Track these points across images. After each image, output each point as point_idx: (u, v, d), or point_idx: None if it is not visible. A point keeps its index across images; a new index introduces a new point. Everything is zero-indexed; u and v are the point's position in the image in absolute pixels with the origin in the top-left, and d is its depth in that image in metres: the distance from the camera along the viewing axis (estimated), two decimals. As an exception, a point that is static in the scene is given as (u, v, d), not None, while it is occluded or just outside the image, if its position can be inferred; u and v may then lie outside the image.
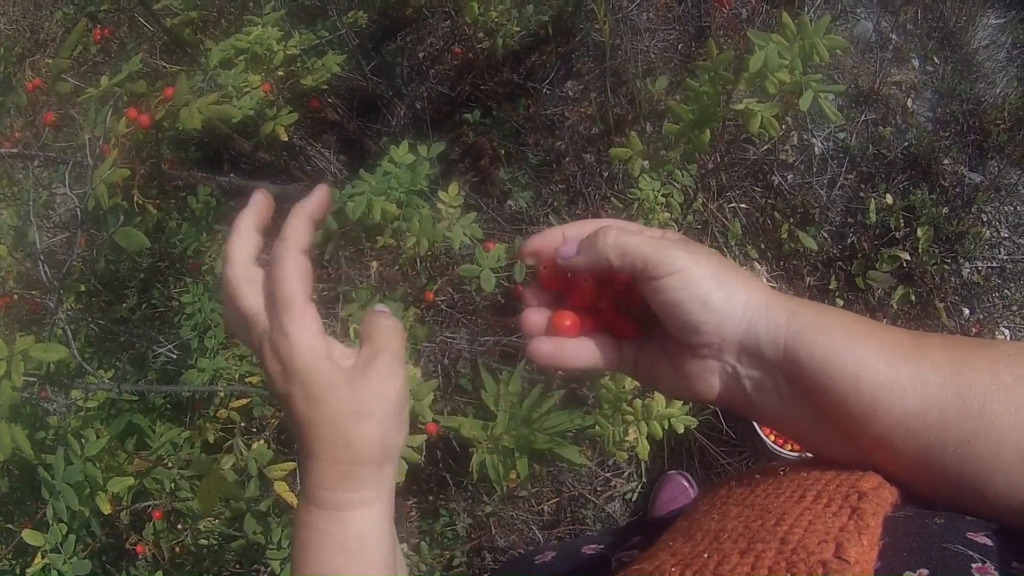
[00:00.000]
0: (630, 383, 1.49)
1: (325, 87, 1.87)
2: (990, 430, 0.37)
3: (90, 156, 1.29)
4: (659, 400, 1.45)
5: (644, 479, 1.92)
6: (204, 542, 1.90)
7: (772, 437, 1.78)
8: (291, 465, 1.43)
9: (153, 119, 1.48)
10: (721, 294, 0.44)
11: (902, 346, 0.41)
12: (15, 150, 1.44)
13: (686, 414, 1.43)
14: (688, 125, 1.39)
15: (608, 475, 1.88)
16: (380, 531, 0.49)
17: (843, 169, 1.94)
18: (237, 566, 1.91)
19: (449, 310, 1.82)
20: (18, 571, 1.91)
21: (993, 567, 0.34)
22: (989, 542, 0.36)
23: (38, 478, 1.87)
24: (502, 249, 1.45)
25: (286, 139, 1.79)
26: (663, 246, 0.45)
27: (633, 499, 1.91)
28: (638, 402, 1.45)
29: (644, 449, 1.44)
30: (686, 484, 1.86)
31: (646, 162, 1.43)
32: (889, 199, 1.91)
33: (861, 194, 1.94)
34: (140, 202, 1.42)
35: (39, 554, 1.63)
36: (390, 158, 1.49)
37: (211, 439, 1.54)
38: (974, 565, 0.34)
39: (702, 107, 1.42)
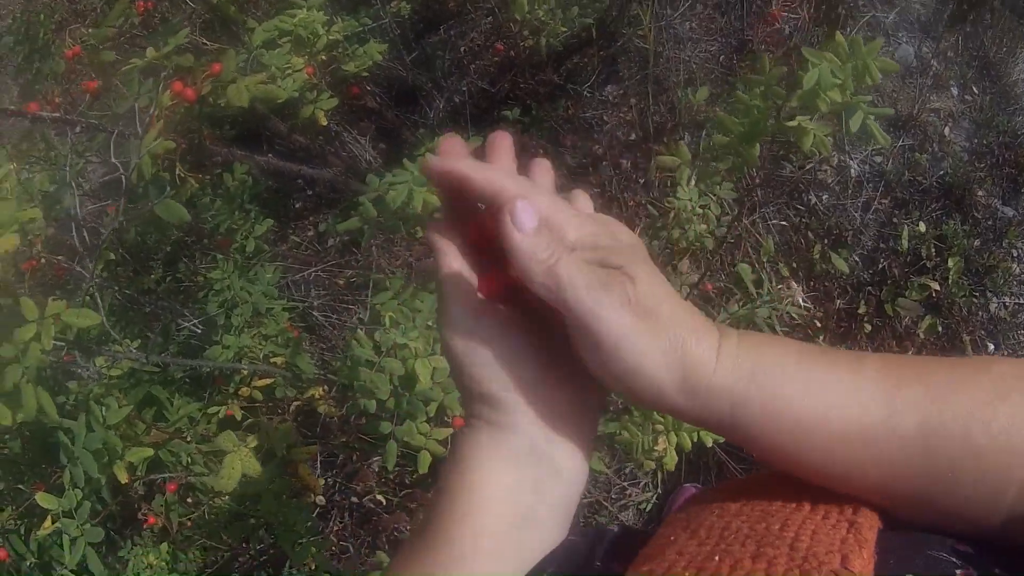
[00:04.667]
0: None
1: (366, 74, 1.87)
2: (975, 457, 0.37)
3: (138, 125, 1.29)
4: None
5: (660, 490, 1.92)
6: (213, 518, 1.90)
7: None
8: (314, 449, 1.43)
9: (198, 94, 1.48)
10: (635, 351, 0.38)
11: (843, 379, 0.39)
12: (56, 114, 1.44)
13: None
14: (738, 138, 1.39)
15: (624, 484, 1.88)
16: None
17: (878, 193, 1.94)
18: (244, 544, 1.91)
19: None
20: (22, 532, 1.91)
21: (975, 573, 0.34)
22: (971, 550, 0.36)
23: (53, 442, 1.87)
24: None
25: (325, 124, 1.79)
26: (593, 287, 0.39)
27: (647, 509, 1.91)
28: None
29: (672, 460, 1.43)
30: (700, 497, 1.86)
31: (692, 172, 1.43)
32: (922, 227, 1.91)
33: (894, 219, 1.93)
34: (181, 175, 1.42)
35: (49, 517, 1.63)
36: (432, 149, 1.48)
37: (238, 416, 1.53)
38: (958, 572, 0.35)
39: (752, 121, 1.41)
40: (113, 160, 1.28)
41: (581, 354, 0.41)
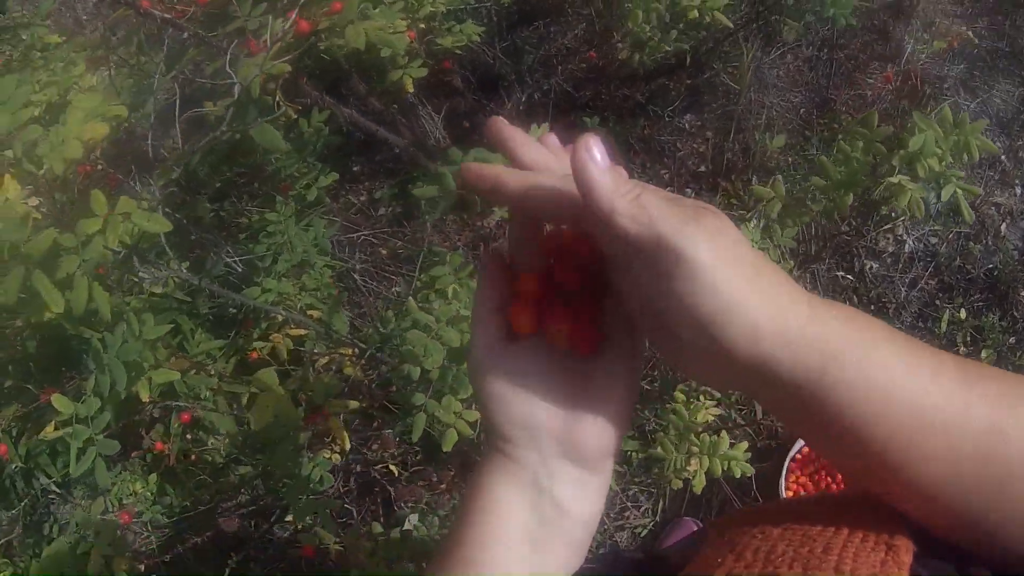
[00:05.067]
0: (702, 416, 1.49)
1: (459, 52, 1.87)
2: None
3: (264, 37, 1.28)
4: (725, 439, 1.46)
5: (658, 518, 1.91)
6: (211, 459, 1.87)
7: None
8: (354, 404, 1.41)
9: (313, 28, 1.47)
10: (754, 303, 0.36)
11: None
12: (168, 15, 1.42)
13: (747, 461, 1.43)
14: (834, 184, 1.41)
15: (628, 504, 1.88)
16: None
17: (927, 273, 1.97)
18: (241, 491, 1.87)
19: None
20: (13, 434, 1.85)
21: None
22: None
23: (74, 347, 1.82)
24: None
25: (411, 91, 1.78)
26: (684, 218, 0.37)
27: (642, 535, 1.90)
28: (706, 436, 1.45)
29: (700, 483, 1.44)
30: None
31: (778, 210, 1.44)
32: (963, 314, 1.94)
33: (937, 301, 1.96)
34: (281, 103, 1.40)
35: (52, 424, 1.58)
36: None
37: (285, 355, 1.50)
38: None
39: (851, 171, 1.43)
40: (228, 70, 1.26)
41: (660, 303, 0.37)
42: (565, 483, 0.43)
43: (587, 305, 0.44)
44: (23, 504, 1.81)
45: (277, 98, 1.40)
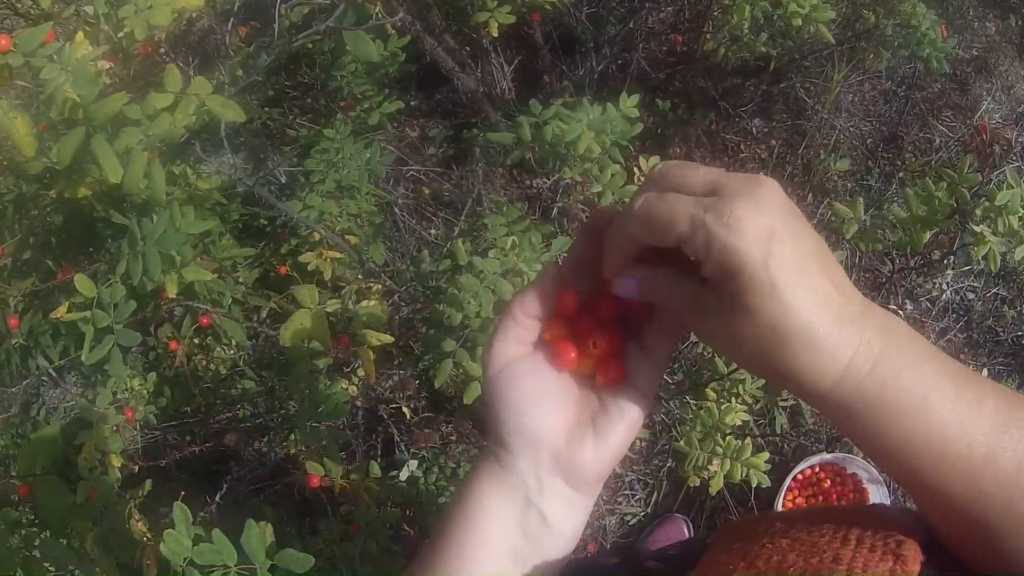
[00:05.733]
0: (731, 419, 1.48)
1: (549, 7, 1.83)
2: None
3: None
4: (748, 445, 1.45)
5: (649, 510, 1.91)
6: (215, 368, 1.83)
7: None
8: (389, 339, 1.37)
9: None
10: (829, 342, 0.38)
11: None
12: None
13: (766, 472, 1.43)
14: (914, 219, 1.39)
15: (623, 490, 1.87)
16: None
17: (958, 325, 1.97)
18: (240, 406, 1.83)
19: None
20: (19, 309, 1.78)
21: None
22: None
23: (100, 229, 1.75)
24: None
25: (495, 35, 1.74)
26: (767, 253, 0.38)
27: (631, 523, 1.90)
28: (731, 439, 1.44)
29: (717, 485, 1.43)
30: (685, 530, 1.86)
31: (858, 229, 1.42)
32: (984, 373, 1.95)
33: (961, 356, 1.97)
34: (381, 14, 1.35)
35: (65, 305, 1.52)
36: (610, 103, 1.44)
37: (328, 275, 1.46)
38: None
39: (932, 209, 1.42)
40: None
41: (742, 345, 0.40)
42: (554, 499, 0.45)
43: (618, 339, 0.45)
44: (25, 383, 1.75)
45: (377, 8, 1.35)
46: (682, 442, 1.46)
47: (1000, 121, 2.07)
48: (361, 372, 1.64)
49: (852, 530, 0.42)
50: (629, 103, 1.46)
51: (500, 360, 0.45)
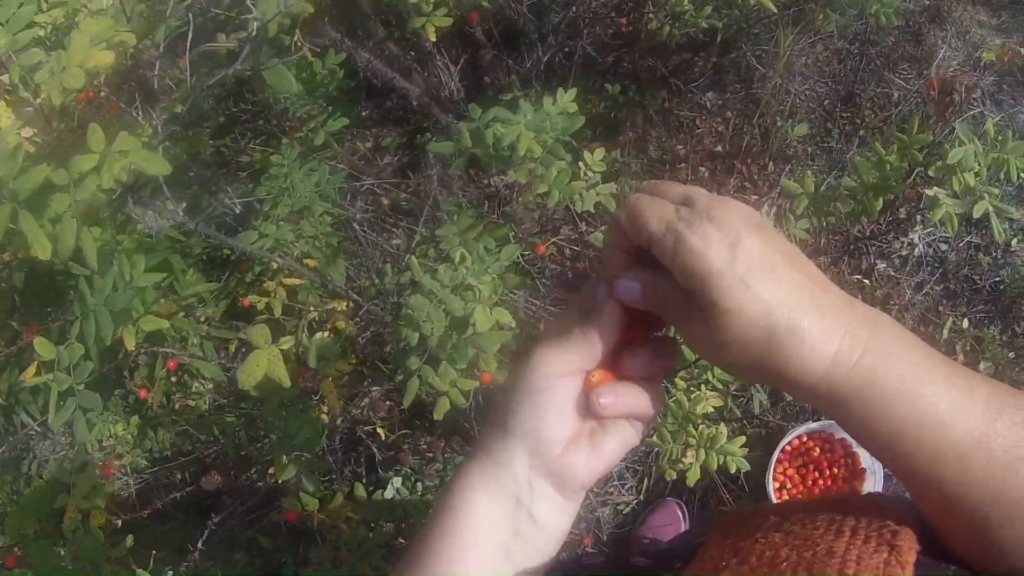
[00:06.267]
0: (702, 408, 1.47)
1: (486, 4, 1.80)
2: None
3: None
4: (723, 433, 1.44)
5: (641, 497, 1.91)
6: (195, 404, 1.82)
7: (784, 498, 1.79)
8: (348, 367, 1.37)
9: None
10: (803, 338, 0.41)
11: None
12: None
13: (744, 456, 1.42)
14: (865, 187, 1.37)
15: (614, 480, 1.87)
16: None
17: (934, 278, 1.95)
18: (223, 441, 1.83)
19: (527, 266, 1.78)
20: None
21: None
22: None
23: (61, 283, 1.74)
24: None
25: (433, 39, 1.71)
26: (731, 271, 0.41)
27: (624, 512, 1.90)
28: (704, 428, 1.43)
29: (694, 476, 1.42)
30: (679, 515, 1.86)
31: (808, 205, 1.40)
32: (965, 323, 1.93)
33: (940, 307, 1.95)
34: (300, 43, 1.33)
35: (35, 365, 1.51)
36: (549, 100, 1.42)
37: (278, 312, 1.45)
38: None
39: (883, 175, 1.40)
40: (248, 2, 1.18)
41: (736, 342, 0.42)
42: (543, 501, 0.47)
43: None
44: (12, 440, 1.75)
45: (295, 38, 1.32)
46: (655, 438, 1.45)
47: (958, 67, 2.03)
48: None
49: (847, 521, 0.43)
50: (567, 98, 1.43)
51: (551, 370, 0.47)
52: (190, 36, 1.32)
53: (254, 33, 1.14)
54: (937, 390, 0.40)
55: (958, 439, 0.39)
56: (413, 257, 1.52)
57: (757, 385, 1.71)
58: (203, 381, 1.87)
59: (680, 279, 0.42)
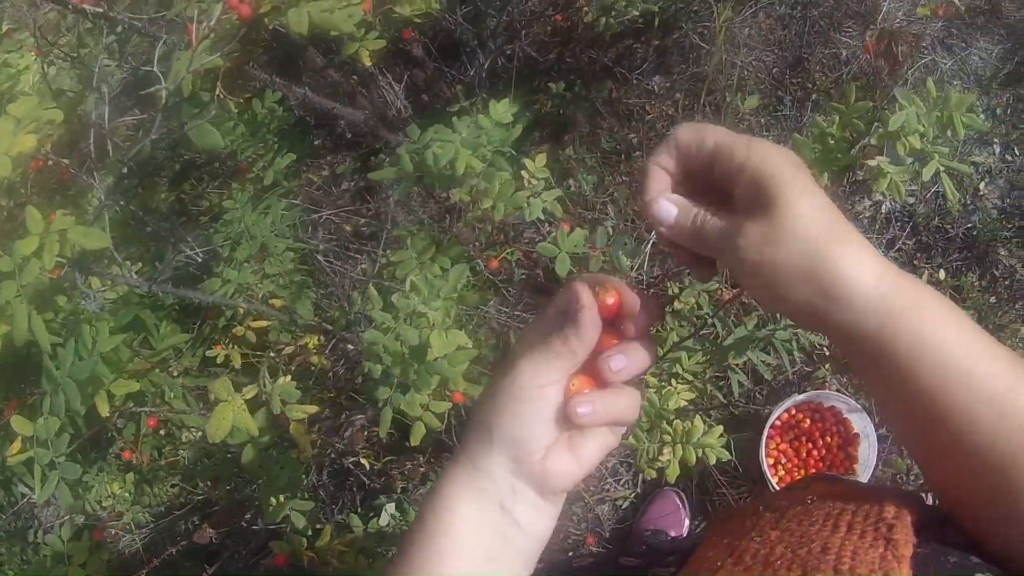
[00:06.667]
0: (674, 403, 1.46)
1: (418, 20, 1.79)
2: None
3: (191, 34, 1.19)
4: (698, 426, 1.43)
5: (638, 490, 1.91)
6: (185, 455, 1.84)
7: (776, 480, 1.78)
8: (313, 409, 1.37)
9: (254, 12, 1.38)
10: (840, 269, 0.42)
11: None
12: (99, 9, 1.33)
13: (723, 447, 1.41)
14: (809, 163, 1.36)
15: (607, 477, 1.87)
16: None
17: (904, 233, 1.93)
18: (214, 486, 1.84)
19: (491, 277, 1.77)
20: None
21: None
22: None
23: (33, 358, 1.76)
24: (582, 235, 1.41)
25: (369, 64, 1.70)
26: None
27: (623, 507, 1.90)
28: (679, 424, 1.43)
29: (674, 472, 1.41)
30: (678, 503, 1.86)
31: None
32: (942, 274, 1.91)
33: (915, 262, 1.93)
34: (221, 95, 1.33)
35: (19, 440, 1.53)
36: (484, 113, 1.41)
37: (237, 364, 1.46)
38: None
39: (826, 149, 1.38)
40: (155, 70, 1.18)
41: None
42: (525, 505, 0.48)
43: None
44: (15, 510, 1.78)
45: (217, 91, 1.32)
46: (631, 440, 1.45)
47: (904, 18, 2.00)
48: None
49: (843, 516, 0.43)
50: (500, 109, 1.42)
51: (532, 380, 0.48)
52: (123, 93, 1.32)
53: (165, 103, 1.13)
54: (971, 327, 0.41)
55: (995, 377, 0.40)
56: (371, 288, 1.52)
57: (732, 367, 1.70)
58: (191, 430, 1.88)
59: (743, 179, 0.44)
